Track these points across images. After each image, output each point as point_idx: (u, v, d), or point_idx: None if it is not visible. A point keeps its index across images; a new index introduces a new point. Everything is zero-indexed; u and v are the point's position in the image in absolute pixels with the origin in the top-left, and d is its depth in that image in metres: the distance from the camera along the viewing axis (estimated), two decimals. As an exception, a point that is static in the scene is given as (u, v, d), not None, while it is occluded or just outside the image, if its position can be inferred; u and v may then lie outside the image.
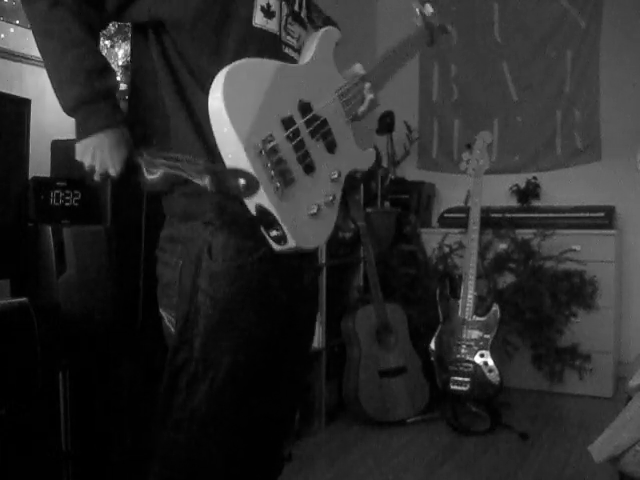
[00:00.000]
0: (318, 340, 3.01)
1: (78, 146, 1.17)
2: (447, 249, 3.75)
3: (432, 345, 3.07)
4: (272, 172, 1.04)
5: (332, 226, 1.18)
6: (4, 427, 1.54)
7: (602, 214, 3.62)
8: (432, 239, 3.85)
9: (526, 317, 3.49)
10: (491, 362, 2.95)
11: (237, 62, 1.06)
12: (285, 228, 1.05)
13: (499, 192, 4.07)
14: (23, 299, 1.62)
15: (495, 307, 3.01)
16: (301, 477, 2.46)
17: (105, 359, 1.86)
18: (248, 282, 1.14)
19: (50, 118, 2.20)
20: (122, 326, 1.92)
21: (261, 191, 1.02)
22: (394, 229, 3.84)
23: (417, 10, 1.61)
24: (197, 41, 1.15)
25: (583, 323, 3.50)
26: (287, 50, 1.24)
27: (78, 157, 1.18)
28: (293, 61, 1.25)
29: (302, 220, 1.09)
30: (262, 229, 1.07)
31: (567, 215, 3.70)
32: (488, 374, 2.94)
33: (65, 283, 1.80)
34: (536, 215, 3.78)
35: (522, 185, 4.11)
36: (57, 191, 1.91)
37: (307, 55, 1.23)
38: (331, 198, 1.16)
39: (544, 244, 3.55)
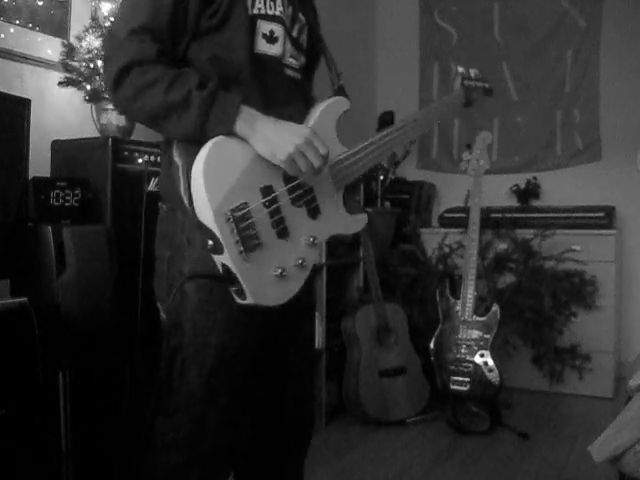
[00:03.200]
0: (318, 340, 3.01)
1: (272, 150, 1.18)
2: (447, 249, 3.75)
3: (432, 345, 3.07)
4: (238, 237, 1.13)
5: (299, 286, 1.22)
6: (4, 427, 1.54)
7: (602, 214, 3.62)
8: (432, 239, 3.85)
9: (526, 317, 3.49)
10: (491, 362, 2.95)
11: (230, 137, 1.16)
12: (245, 287, 1.14)
13: (499, 192, 4.07)
14: (23, 299, 1.62)
15: (495, 307, 3.01)
16: (301, 477, 2.45)
17: (105, 359, 1.86)
18: None
19: (50, 118, 2.20)
20: (122, 326, 1.92)
21: (225, 253, 1.12)
22: (394, 229, 3.84)
23: (458, 70, 1.67)
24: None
25: (583, 323, 3.50)
26: (289, 72, 1.34)
27: (287, 164, 1.19)
28: (295, 82, 1.35)
29: (265, 280, 1.17)
30: (227, 283, 1.16)
31: (567, 215, 3.70)
32: (488, 374, 2.94)
33: (65, 283, 1.80)
34: (536, 215, 3.78)
35: (522, 185, 4.11)
36: (57, 191, 1.91)
37: (308, 123, 1.29)
38: (301, 261, 1.21)
39: (544, 244, 3.55)
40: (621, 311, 3.81)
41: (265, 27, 1.28)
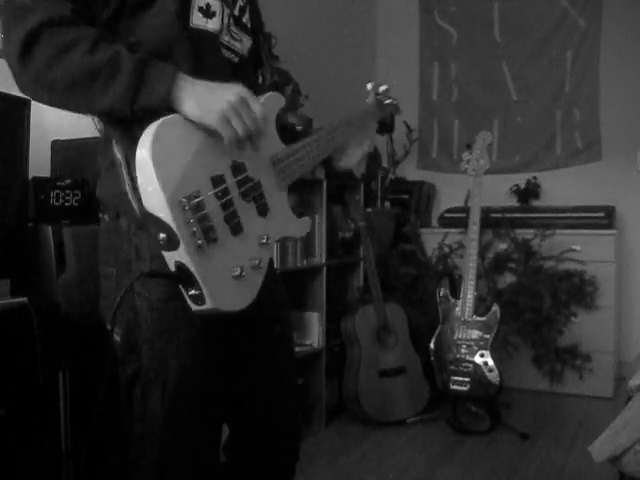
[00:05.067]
0: (318, 340, 3.01)
1: (200, 114, 1.04)
2: (447, 249, 3.75)
3: (432, 345, 3.07)
4: (194, 228, 1.00)
5: (256, 291, 1.11)
6: (4, 427, 1.54)
7: (602, 214, 3.62)
8: (432, 239, 3.85)
9: (526, 317, 3.49)
10: (491, 362, 2.95)
11: (172, 116, 1.03)
12: (203, 288, 1.01)
13: (499, 192, 4.07)
14: (23, 299, 1.62)
15: (495, 307, 3.01)
16: (301, 477, 2.44)
17: (105, 359, 1.86)
18: None
19: (50, 118, 2.20)
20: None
21: (181, 247, 0.99)
22: (394, 229, 3.84)
23: (369, 86, 1.56)
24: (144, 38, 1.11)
25: (583, 323, 3.50)
26: (227, 53, 1.22)
27: (218, 123, 1.04)
28: (231, 64, 1.23)
29: (223, 282, 1.05)
30: (180, 287, 1.03)
31: (567, 215, 3.70)
32: (488, 374, 2.94)
33: (65, 283, 1.80)
34: (536, 215, 3.78)
35: (522, 185, 4.11)
36: (57, 191, 1.91)
37: None
38: (257, 262, 1.11)
39: (544, 244, 3.55)
40: (621, 311, 3.81)
41: (201, 0, 1.14)
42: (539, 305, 3.48)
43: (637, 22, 3.90)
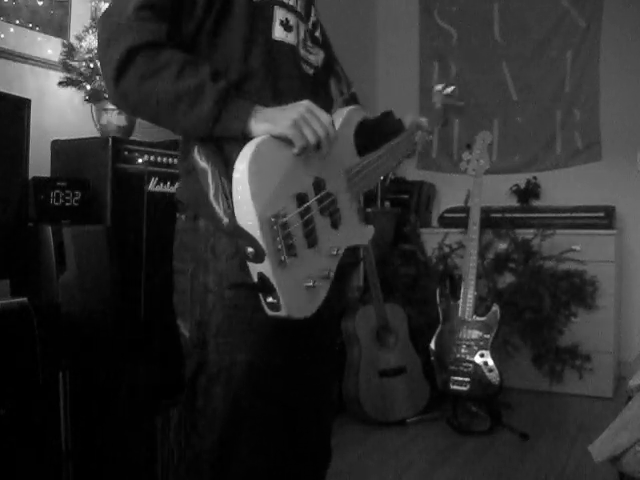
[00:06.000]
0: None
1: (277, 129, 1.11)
2: (447, 249, 3.75)
3: (432, 345, 3.07)
4: (280, 245, 1.07)
5: (323, 298, 1.17)
6: (4, 427, 1.54)
7: (602, 214, 3.62)
8: (432, 239, 3.85)
9: (526, 317, 3.49)
10: (491, 362, 2.95)
11: (262, 137, 1.09)
12: (281, 298, 1.07)
13: (499, 192, 4.07)
14: (23, 299, 1.62)
15: (495, 307, 3.01)
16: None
17: (105, 359, 1.86)
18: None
19: (50, 118, 2.20)
20: (122, 326, 1.92)
21: (266, 261, 1.06)
22: (394, 229, 3.84)
23: (438, 88, 1.66)
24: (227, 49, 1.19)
25: (583, 323, 3.50)
26: (305, 67, 1.29)
27: (294, 136, 1.11)
28: (309, 78, 1.30)
29: (297, 292, 1.12)
30: (260, 294, 1.09)
31: (567, 215, 3.69)
32: (488, 374, 2.94)
33: (65, 283, 1.80)
34: (536, 215, 3.78)
35: (522, 185, 4.11)
36: (57, 191, 1.91)
37: None
38: (327, 273, 1.17)
39: (544, 244, 3.55)
40: (621, 311, 3.81)
41: (281, 14, 1.23)
42: (539, 305, 3.48)
43: (637, 22, 3.90)
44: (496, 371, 2.93)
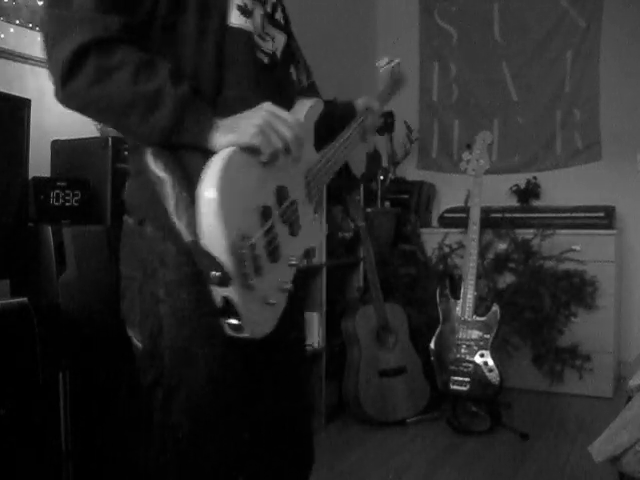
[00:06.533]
0: (318, 340, 3.01)
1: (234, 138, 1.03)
2: (447, 249, 3.75)
3: (432, 345, 3.07)
4: (247, 270, 1.01)
5: (280, 312, 1.11)
6: (4, 427, 1.54)
7: (602, 214, 3.62)
8: (432, 239, 3.85)
9: (526, 317, 3.49)
10: (491, 362, 2.95)
11: (230, 150, 1.02)
12: (244, 320, 1.02)
13: (499, 192, 4.07)
14: (23, 299, 1.62)
15: (495, 307, 3.01)
16: (301, 477, 2.46)
17: (105, 359, 1.86)
18: (206, 287, 1.03)
19: (50, 118, 2.20)
20: (122, 326, 1.91)
21: (232, 286, 1.00)
22: (394, 229, 3.84)
23: (382, 63, 1.61)
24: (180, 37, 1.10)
25: (583, 323, 3.50)
26: (260, 55, 1.19)
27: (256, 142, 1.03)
28: (260, 65, 1.19)
29: (260, 311, 1.06)
30: (221, 318, 1.03)
31: (567, 215, 3.69)
32: (488, 374, 2.94)
33: (65, 283, 1.80)
34: (536, 215, 3.78)
35: (522, 185, 4.11)
36: (57, 191, 1.91)
37: None
38: (285, 285, 1.11)
39: (544, 244, 3.55)
40: (621, 311, 3.81)
41: None
42: (539, 305, 3.48)
43: (637, 22, 3.90)
44: (496, 371, 2.93)
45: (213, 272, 0.98)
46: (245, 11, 1.13)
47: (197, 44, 1.10)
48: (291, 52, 1.30)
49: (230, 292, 1.00)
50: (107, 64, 0.98)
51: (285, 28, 1.27)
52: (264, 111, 1.05)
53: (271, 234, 1.08)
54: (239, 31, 1.13)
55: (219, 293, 1.01)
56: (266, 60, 1.20)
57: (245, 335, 1.03)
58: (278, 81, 1.23)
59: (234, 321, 1.02)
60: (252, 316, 1.04)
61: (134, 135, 1.09)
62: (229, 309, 1.01)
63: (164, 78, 1.01)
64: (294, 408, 1.35)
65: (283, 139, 1.06)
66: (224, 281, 0.99)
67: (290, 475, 1.38)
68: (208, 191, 0.97)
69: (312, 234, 1.24)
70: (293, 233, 1.15)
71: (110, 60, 0.99)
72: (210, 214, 0.97)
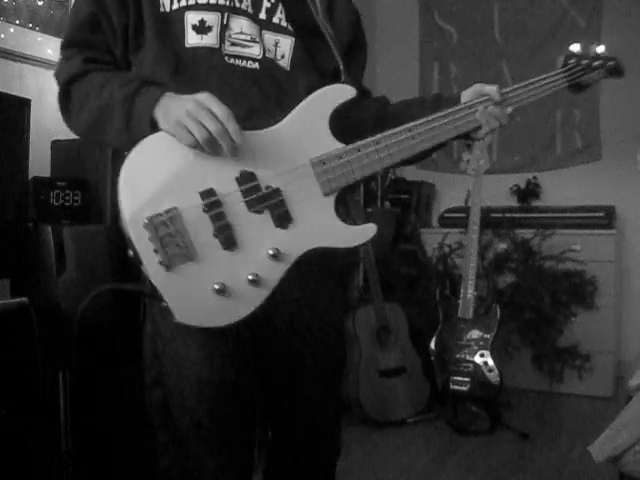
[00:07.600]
0: (318, 340, 3.01)
1: (166, 121, 1.06)
2: (447, 249, 3.75)
3: (432, 345, 3.07)
4: (156, 245, 1.01)
5: (251, 307, 1.05)
6: (4, 427, 1.54)
7: (602, 214, 3.62)
8: (432, 239, 3.85)
9: (526, 317, 3.49)
10: (491, 362, 2.95)
11: (155, 135, 1.06)
12: (168, 303, 1.01)
13: (499, 192, 4.07)
14: (23, 299, 1.62)
15: (495, 307, 3.01)
16: (301, 477, 2.45)
17: (105, 359, 1.86)
18: None
19: (50, 118, 2.20)
20: (122, 326, 1.92)
21: (145, 264, 1.02)
22: (394, 229, 3.83)
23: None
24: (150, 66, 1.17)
25: (583, 323, 3.50)
26: (239, 62, 1.17)
27: (177, 131, 1.05)
28: (244, 71, 1.17)
29: (197, 296, 1.03)
30: (151, 298, 1.05)
31: (567, 215, 3.69)
32: (488, 374, 2.94)
33: (65, 283, 1.80)
34: (536, 215, 3.78)
35: (522, 185, 4.10)
36: (57, 191, 1.91)
37: (284, 120, 1.13)
38: (252, 277, 1.04)
39: (544, 244, 3.55)
40: (621, 311, 3.81)
41: (193, 17, 1.15)
42: (539, 305, 3.47)
43: (637, 22, 3.89)
44: (496, 371, 2.93)
45: (129, 250, 1.03)
46: (202, 28, 1.16)
47: (154, 67, 1.15)
48: (309, 53, 1.24)
49: (146, 271, 1.02)
50: (79, 95, 1.15)
51: (293, 30, 1.23)
52: (192, 101, 1.04)
53: (213, 214, 1.04)
54: (197, 49, 1.16)
55: (144, 274, 1.04)
56: (255, 65, 1.18)
57: (176, 320, 1.02)
58: (279, 83, 1.20)
59: (163, 303, 1.03)
60: (181, 302, 1.02)
61: (115, 147, 1.21)
62: (154, 292, 1.03)
63: (115, 85, 1.11)
64: (321, 406, 1.31)
65: (204, 131, 1.02)
66: (137, 258, 1.02)
67: (314, 469, 1.38)
68: (122, 167, 1.05)
69: (332, 232, 1.14)
70: (280, 224, 1.08)
71: (80, 92, 1.15)
72: (119, 190, 1.04)
